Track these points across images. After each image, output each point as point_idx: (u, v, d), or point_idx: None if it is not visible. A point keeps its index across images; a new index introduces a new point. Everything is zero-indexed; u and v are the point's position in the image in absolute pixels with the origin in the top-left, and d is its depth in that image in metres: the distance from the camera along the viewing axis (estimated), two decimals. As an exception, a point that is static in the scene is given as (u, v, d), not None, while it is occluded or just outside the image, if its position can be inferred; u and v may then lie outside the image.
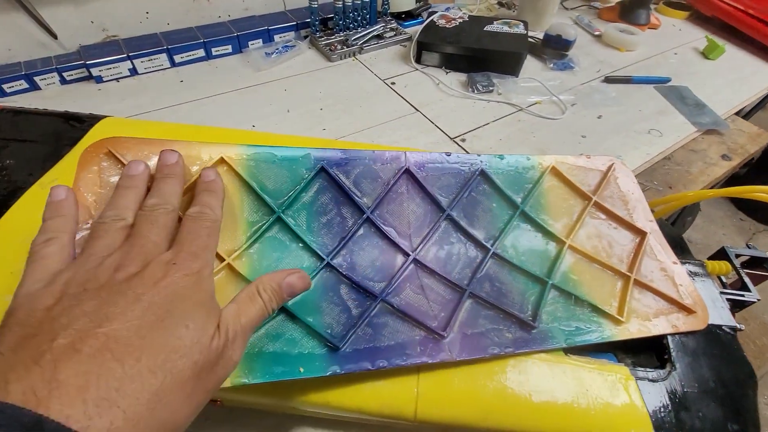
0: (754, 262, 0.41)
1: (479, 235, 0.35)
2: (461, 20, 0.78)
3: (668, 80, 0.76)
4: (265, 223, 0.31)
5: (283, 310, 0.27)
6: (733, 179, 1.88)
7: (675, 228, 0.78)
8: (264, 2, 0.77)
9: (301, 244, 0.31)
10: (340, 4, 0.73)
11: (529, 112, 0.66)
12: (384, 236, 0.33)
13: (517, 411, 0.27)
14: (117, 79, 0.64)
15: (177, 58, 0.67)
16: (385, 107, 0.65)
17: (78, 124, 0.45)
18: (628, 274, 0.34)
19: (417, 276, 0.33)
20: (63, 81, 0.62)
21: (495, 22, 0.78)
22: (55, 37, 0.61)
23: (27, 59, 0.61)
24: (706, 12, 0.99)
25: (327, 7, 0.77)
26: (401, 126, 0.62)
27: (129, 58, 0.63)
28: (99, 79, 0.63)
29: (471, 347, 0.28)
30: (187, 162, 0.30)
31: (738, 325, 0.35)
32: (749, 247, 0.41)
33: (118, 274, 0.19)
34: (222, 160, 0.30)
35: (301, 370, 0.24)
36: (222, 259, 0.28)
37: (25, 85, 0.59)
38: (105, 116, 0.45)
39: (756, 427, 0.29)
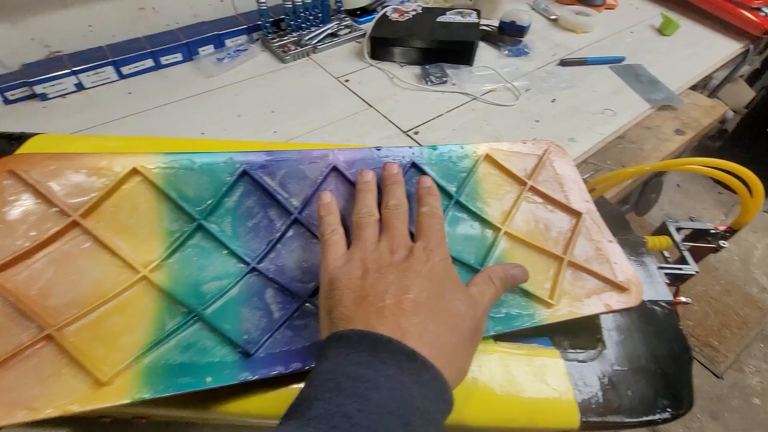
0: (697, 235, 0.41)
1: (413, 228, 0.35)
2: (414, 13, 0.78)
3: (622, 59, 0.76)
4: (185, 232, 0.30)
5: (199, 319, 0.27)
6: (707, 152, 1.90)
7: (640, 207, 0.79)
8: (213, 8, 0.76)
9: (225, 251, 0.31)
10: (290, 5, 0.72)
11: (483, 100, 0.66)
12: (314, 237, 0.33)
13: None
14: (63, 96, 0.63)
15: (124, 70, 0.66)
16: (338, 106, 0.64)
17: (15, 142, 0.44)
18: (561, 256, 0.34)
19: (348, 274, 0.32)
20: (6, 101, 0.60)
21: (448, 12, 0.77)
22: (-7, 56, 0.60)
23: (-34, 81, 0.59)
24: (663, -11, 0.99)
25: (279, 9, 0.76)
26: (354, 123, 0.61)
27: (74, 73, 0.62)
28: (44, 97, 0.61)
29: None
30: (98, 174, 0.29)
31: (684, 299, 0.35)
32: (692, 220, 0.41)
33: (394, 257, 0.25)
34: (135, 171, 0.30)
35: (208, 379, 0.24)
36: (137, 272, 0.28)
37: (-34, 108, 0.58)
38: (35, 134, 0.44)
39: (689, 401, 0.29)
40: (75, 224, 0.27)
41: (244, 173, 0.32)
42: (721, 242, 0.39)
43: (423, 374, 0.20)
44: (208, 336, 0.26)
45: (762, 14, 0.85)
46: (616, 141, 0.61)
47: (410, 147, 0.37)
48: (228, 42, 0.74)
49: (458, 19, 0.76)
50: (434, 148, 0.38)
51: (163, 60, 0.69)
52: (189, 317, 0.27)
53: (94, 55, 0.65)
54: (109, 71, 0.65)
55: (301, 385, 0.26)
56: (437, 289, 0.23)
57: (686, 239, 0.41)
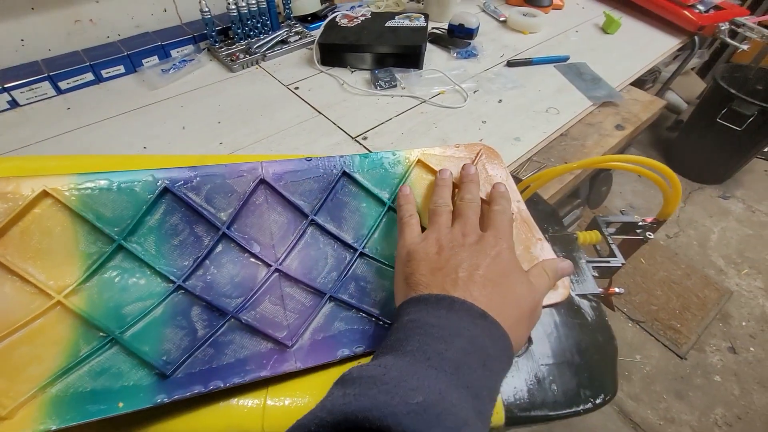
0: (627, 228, 0.42)
1: (348, 236, 0.35)
2: (363, 18, 0.78)
3: (567, 58, 0.79)
4: (105, 253, 0.29)
5: (117, 343, 0.26)
6: (663, 142, 1.98)
7: (592, 199, 0.81)
8: (156, 18, 0.74)
9: (149, 271, 0.30)
10: (235, 13, 0.72)
11: (432, 103, 0.67)
12: (244, 250, 0.33)
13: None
14: (-5, 114, 0.60)
15: (62, 85, 0.64)
16: (287, 114, 0.64)
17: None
18: (491, 256, 0.34)
19: (279, 286, 0.32)
20: (-69, 122, 0.57)
21: (397, 17, 0.78)
22: None
23: None
24: (607, -12, 1.03)
25: (225, 17, 0.75)
26: (302, 131, 0.61)
27: (5, 90, 0.59)
28: (-27, 116, 0.59)
29: (319, 352, 0.28)
30: (3, 200, 0.28)
31: (618, 290, 0.37)
32: (622, 214, 0.43)
33: (466, 239, 0.28)
34: (45, 193, 0.29)
35: (120, 405, 0.23)
36: (51, 298, 0.27)
37: None
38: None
39: (612, 389, 0.30)
40: (-23, 253, 0.26)
41: (166, 190, 0.32)
42: (648, 234, 0.41)
43: (493, 331, 0.23)
44: (124, 359, 0.26)
45: (696, 11, 0.89)
46: (560, 138, 0.63)
47: (341, 156, 0.37)
48: (173, 52, 0.73)
49: (407, 23, 0.76)
50: (365, 156, 0.38)
51: (104, 73, 0.67)
52: (105, 341, 0.26)
53: (27, 70, 0.62)
54: (46, 86, 0.63)
55: (225, 403, 0.26)
56: (503, 271, 0.27)
57: (617, 233, 0.43)
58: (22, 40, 0.63)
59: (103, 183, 0.30)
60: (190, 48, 0.74)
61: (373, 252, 0.35)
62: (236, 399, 0.26)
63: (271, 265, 0.32)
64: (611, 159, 0.39)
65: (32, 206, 0.28)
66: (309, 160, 0.36)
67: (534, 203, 0.41)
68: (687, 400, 1.22)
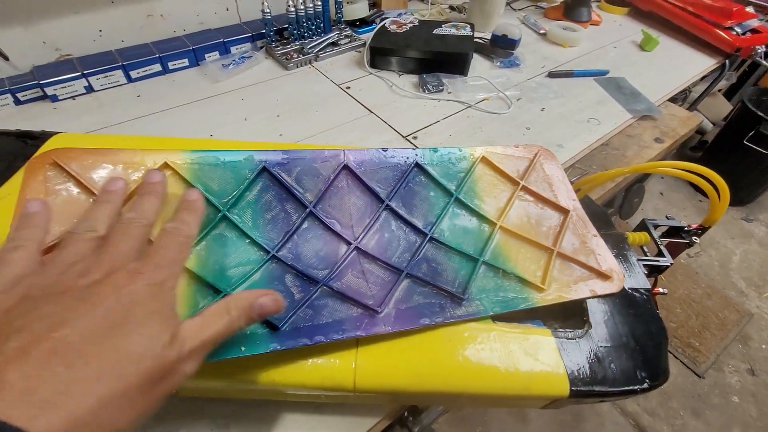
0: (672, 232, 0.45)
1: (418, 222, 0.38)
2: (411, 25, 0.82)
3: (606, 72, 0.81)
4: (211, 222, 0.33)
5: (228, 299, 0.30)
6: (688, 161, 1.98)
7: (623, 211, 0.83)
8: (219, 16, 0.79)
9: (247, 240, 0.34)
10: (293, 15, 0.76)
11: (478, 108, 0.70)
12: (327, 228, 0.36)
13: (449, 374, 0.30)
14: (73, 97, 0.65)
15: (133, 74, 0.69)
16: (340, 111, 0.68)
17: (31, 140, 0.47)
18: (551, 248, 0.37)
19: (359, 262, 0.35)
20: (17, 101, 0.62)
21: (443, 25, 0.82)
22: (6, 58, 0.62)
23: (-21, 82, 0.61)
24: (644, 8, 1.06)
25: (282, 18, 0.80)
26: (355, 128, 0.64)
27: (84, 75, 0.64)
28: (54, 98, 0.63)
29: (404, 320, 0.31)
30: (131, 168, 0.32)
31: (662, 290, 0.39)
32: (668, 219, 0.45)
33: (81, 281, 0.20)
34: (166, 165, 0.32)
35: (242, 348, 0.26)
36: (169, 257, 0.30)
37: (-21, 108, 0.60)
38: (57, 132, 0.46)
39: (664, 374, 0.32)
40: (112, 213, 0.30)
41: (264, 169, 0.35)
42: (694, 238, 0.43)
43: None
44: (236, 314, 0.29)
45: (734, 33, 0.92)
46: (601, 147, 0.66)
47: (414, 149, 0.40)
48: (233, 49, 0.77)
49: (453, 31, 0.80)
50: (435, 150, 0.41)
51: (171, 65, 0.72)
52: (219, 297, 0.29)
53: (103, 59, 0.67)
54: (118, 75, 0.67)
55: (321, 360, 0.29)
56: (110, 322, 0.19)
57: (663, 236, 0.45)
58: (100, 30, 0.68)
59: (211, 159, 0.34)
60: (248, 46, 0.79)
61: (441, 238, 0.38)
62: (331, 357, 0.29)
63: (351, 243, 0.36)
64: (662, 165, 0.41)
65: (154, 175, 0.32)
66: (385, 150, 0.40)
67: (585, 204, 0.44)
68: (704, 419, 1.22)
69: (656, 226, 0.44)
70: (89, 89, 0.66)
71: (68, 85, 0.64)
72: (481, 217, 0.39)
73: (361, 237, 0.36)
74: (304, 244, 0.35)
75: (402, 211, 0.38)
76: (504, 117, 0.69)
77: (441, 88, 0.73)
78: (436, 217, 0.39)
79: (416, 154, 0.40)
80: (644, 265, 0.40)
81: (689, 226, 0.44)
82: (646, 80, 0.81)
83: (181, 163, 0.33)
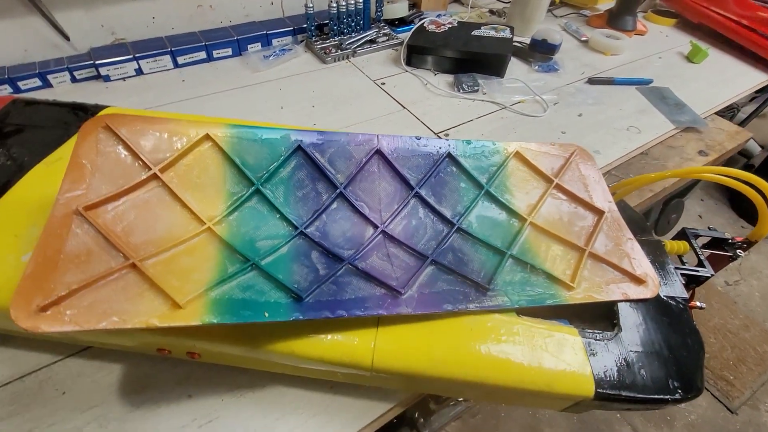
0: (715, 243, 0.43)
1: (446, 211, 0.38)
2: (450, 26, 0.82)
3: (650, 81, 0.79)
4: (245, 194, 0.34)
5: (256, 267, 0.30)
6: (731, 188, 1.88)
7: (660, 226, 0.80)
8: (263, 9, 0.82)
9: (278, 215, 0.34)
10: (335, 11, 0.78)
11: (512, 110, 0.69)
12: (356, 210, 0.36)
13: (468, 362, 0.29)
14: (123, 79, 0.68)
15: (180, 60, 0.72)
16: (374, 105, 0.68)
17: (84, 113, 0.49)
18: (583, 247, 0.36)
19: (385, 246, 0.35)
20: (73, 79, 0.66)
21: (483, 27, 0.81)
22: (67, 38, 0.66)
23: (41, 59, 0.65)
24: (693, 19, 1.02)
25: (323, 14, 0.82)
26: (388, 122, 0.65)
27: (135, 59, 0.68)
28: (107, 78, 0.67)
29: (426, 304, 0.30)
30: (175, 137, 0.33)
31: (699, 304, 0.37)
32: (710, 229, 0.43)
33: None
34: (207, 137, 0.34)
35: (266, 314, 0.27)
36: (203, 224, 0.31)
37: (39, 83, 0.64)
38: (108, 106, 0.49)
39: (698, 388, 0.31)
40: (155, 177, 0.31)
41: (299, 148, 0.36)
42: (738, 252, 0.41)
43: None
44: (264, 281, 0.29)
45: (791, 48, 0.87)
46: (640, 156, 0.63)
47: (446, 139, 0.40)
48: (274, 41, 0.79)
49: (492, 33, 0.79)
50: (468, 142, 0.41)
51: (215, 53, 0.75)
52: (247, 264, 0.30)
53: (154, 44, 0.71)
54: (166, 60, 0.71)
55: (341, 336, 0.29)
56: None
57: (704, 247, 0.43)
58: (153, 17, 0.72)
59: (250, 134, 0.35)
60: (288, 39, 0.81)
61: (469, 228, 0.37)
62: (351, 334, 0.29)
63: (378, 227, 0.36)
64: (705, 170, 0.39)
65: (196, 145, 0.33)
66: (418, 138, 0.40)
67: (621, 209, 0.42)
68: (734, 457, 1.14)
69: (697, 236, 0.42)
70: (139, 72, 0.69)
71: (120, 66, 0.67)
72: (511, 212, 0.39)
73: (388, 221, 0.36)
74: (332, 223, 0.35)
75: (431, 200, 0.38)
76: (539, 120, 0.68)
77: (476, 88, 0.72)
78: (464, 208, 0.38)
79: (449, 145, 0.40)
80: (682, 275, 0.38)
81: (734, 238, 0.42)
82: (692, 92, 0.78)
83: (221, 135, 0.34)
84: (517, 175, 0.41)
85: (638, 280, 0.35)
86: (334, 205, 0.36)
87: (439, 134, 0.63)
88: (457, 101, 0.71)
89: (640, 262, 0.36)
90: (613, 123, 0.68)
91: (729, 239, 0.41)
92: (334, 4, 0.76)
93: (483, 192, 0.39)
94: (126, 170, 0.31)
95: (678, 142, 0.67)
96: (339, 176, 0.37)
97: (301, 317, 0.27)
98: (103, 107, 0.49)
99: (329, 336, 0.29)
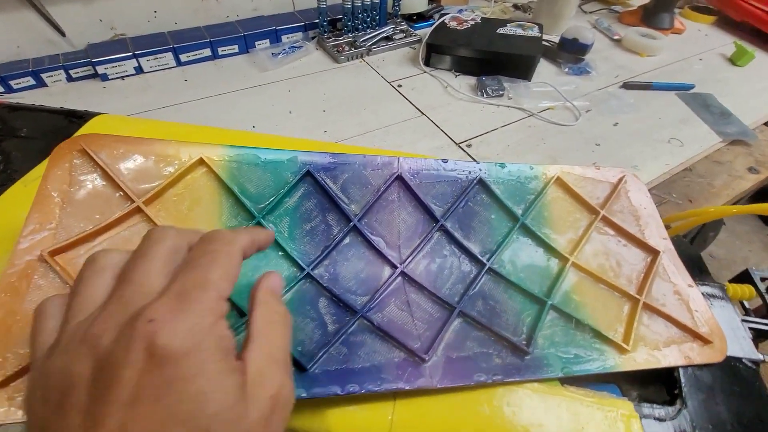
0: (782, 287, 0.37)
1: (475, 248, 0.33)
2: (473, 22, 0.76)
3: (691, 87, 0.72)
4: (243, 229, 0.29)
5: (254, 323, 0.26)
6: (763, 194, 1.79)
7: (695, 244, 0.74)
8: (273, 3, 0.76)
9: (281, 252, 0.30)
10: (348, 5, 0.72)
11: (541, 117, 0.63)
12: (371, 246, 0.31)
13: (504, 446, 0.24)
14: (122, 77, 0.64)
15: (183, 57, 0.67)
16: (389, 110, 0.63)
17: (75, 120, 0.45)
18: (637, 296, 0.31)
19: (404, 290, 0.30)
20: (69, 78, 0.62)
21: (509, 24, 0.75)
22: (63, 34, 0.61)
23: (35, 56, 0.61)
24: (736, 17, 0.94)
25: (336, 8, 0.76)
26: (405, 129, 0.60)
27: (135, 56, 0.63)
28: (104, 77, 0.63)
29: (455, 373, 0.25)
30: (164, 161, 0.28)
31: (762, 358, 0.32)
32: (777, 270, 0.38)
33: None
34: (201, 161, 0.29)
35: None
36: (195, 266, 0.27)
37: (32, 82, 0.60)
38: (100, 113, 0.45)
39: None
40: (138, 210, 0.26)
41: (308, 173, 0.31)
42: (814, 299, 0.35)
43: None
44: (261, 343, 0.25)
45: None
46: (683, 173, 0.57)
47: (477, 162, 0.35)
48: (284, 38, 0.74)
49: (519, 32, 0.73)
50: (502, 166, 0.35)
51: (220, 51, 0.70)
52: (241, 322, 0.25)
53: (155, 40, 0.66)
54: (168, 57, 0.66)
55: (355, 407, 0.25)
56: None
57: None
58: (155, 11, 0.67)
59: (251, 157, 0.30)
60: (299, 35, 0.75)
61: (501, 270, 0.32)
62: (364, 406, 0.25)
63: (396, 266, 0.31)
64: None
65: (188, 172, 0.29)
66: (445, 162, 0.34)
67: (676, 245, 0.37)
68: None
69: (763, 279, 0.36)
70: (139, 70, 0.65)
71: (119, 65, 0.63)
72: (551, 249, 0.33)
73: (408, 260, 0.31)
74: (344, 262, 0.31)
75: (458, 234, 0.33)
76: (571, 130, 0.62)
77: (501, 92, 0.66)
78: (497, 244, 0.33)
79: (480, 169, 0.35)
80: (750, 329, 0.32)
81: (808, 282, 0.36)
82: (738, 99, 0.71)
83: (218, 159, 0.29)
84: (558, 205, 0.35)
85: (703, 339, 0.30)
86: (347, 240, 0.31)
87: (460, 144, 0.58)
88: (480, 107, 0.65)
89: (704, 316, 0.31)
90: (653, 134, 0.62)
91: (802, 284, 0.36)
92: (349, -1, 0.71)
93: (518, 225, 0.34)
94: (104, 203, 0.26)
95: (725, 157, 0.61)
96: (353, 206, 0.32)
97: (304, 395, 0.23)
98: (94, 114, 0.44)
99: (338, 408, 0.25)
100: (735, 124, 0.65)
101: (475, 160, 0.55)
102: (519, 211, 0.34)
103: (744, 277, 0.37)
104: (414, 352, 0.26)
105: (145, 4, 0.66)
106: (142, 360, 0.14)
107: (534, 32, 0.73)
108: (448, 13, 0.78)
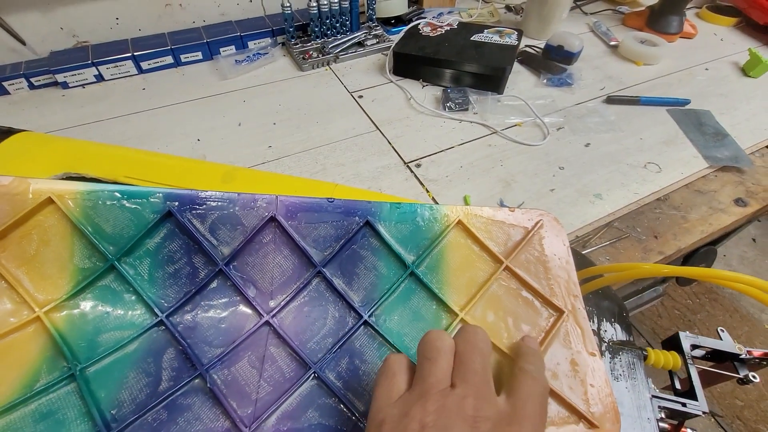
0: (720, 356, 0.32)
1: (356, 297, 0.30)
2: (449, 28, 0.71)
3: (687, 102, 0.65)
4: (96, 271, 0.28)
5: (74, 380, 0.24)
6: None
7: (679, 279, 0.67)
8: (241, 7, 0.75)
9: (134, 297, 0.28)
10: (315, 10, 0.69)
11: (504, 135, 0.59)
12: (239, 292, 0.29)
13: None
14: (83, 85, 0.64)
15: (144, 65, 0.67)
16: (343, 124, 0.60)
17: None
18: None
19: (265, 343, 0.28)
20: (31, 86, 0.63)
21: (486, 30, 0.70)
22: (23, 43, 0.62)
23: (-2, 64, 0.62)
24: (760, 20, 0.84)
25: (306, 13, 0.73)
26: (354, 146, 0.57)
27: (93, 64, 0.63)
28: (65, 85, 0.63)
29: (276, 452, 0.23)
30: (6, 202, 0.27)
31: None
32: (719, 334, 0.33)
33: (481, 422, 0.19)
34: (50, 200, 0.28)
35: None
36: (32, 311, 0.26)
37: (-6, 90, 0.61)
38: (22, 130, 0.44)
39: None
40: (-27, 254, 0.25)
41: (170, 213, 0.29)
42: (752, 376, 0.30)
43: None
44: (74, 403, 0.24)
45: None
46: (655, 204, 0.52)
47: (369, 202, 0.32)
48: (251, 44, 0.72)
49: (495, 39, 0.68)
50: (397, 206, 0.32)
51: (183, 57, 0.69)
52: (65, 375, 0.24)
53: (117, 47, 0.66)
54: (129, 65, 0.66)
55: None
56: None
57: (705, 357, 0.32)
58: (117, 18, 0.67)
59: (108, 195, 0.29)
60: (267, 41, 0.73)
61: (380, 324, 0.29)
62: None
63: (263, 315, 0.29)
64: (733, 278, 0.29)
65: (37, 211, 0.27)
66: (331, 201, 0.32)
67: (598, 296, 0.32)
68: None
69: (695, 346, 0.32)
70: (99, 78, 0.65)
71: (78, 73, 0.63)
72: (441, 303, 0.30)
73: (278, 308, 0.29)
74: (209, 310, 0.29)
75: (338, 281, 0.30)
76: (535, 150, 0.57)
77: (466, 107, 0.62)
78: (381, 294, 0.30)
79: (370, 209, 0.32)
80: (661, 408, 0.28)
81: (749, 353, 0.31)
82: (741, 117, 0.63)
83: (70, 198, 0.28)
84: (459, 253, 0.32)
85: (590, 423, 0.26)
86: (213, 284, 0.29)
87: (408, 163, 0.54)
88: (441, 122, 0.61)
89: (600, 394, 0.27)
90: (629, 157, 0.56)
91: (740, 354, 0.31)
92: (314, 3, 0.68)
93: (406, 274, 0.31)
94: (-62, 247, 0.25)
95: (710, 186, 0.54)
96: (223, 248, 0.30)
97: (91, 471, 0.21)
98: (17, 131, 0.44)
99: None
100: (729, 147, 0.58)
101: (421, 183, 0.52)
102: (410, 258, 0.31)
103: (674, 341, 0.32)
104: (236, 424, 0.24)
105: (106, 12, 0.65)
106: None
107: (511, 40, 0.68)
108: (425, 18, 0.74)
